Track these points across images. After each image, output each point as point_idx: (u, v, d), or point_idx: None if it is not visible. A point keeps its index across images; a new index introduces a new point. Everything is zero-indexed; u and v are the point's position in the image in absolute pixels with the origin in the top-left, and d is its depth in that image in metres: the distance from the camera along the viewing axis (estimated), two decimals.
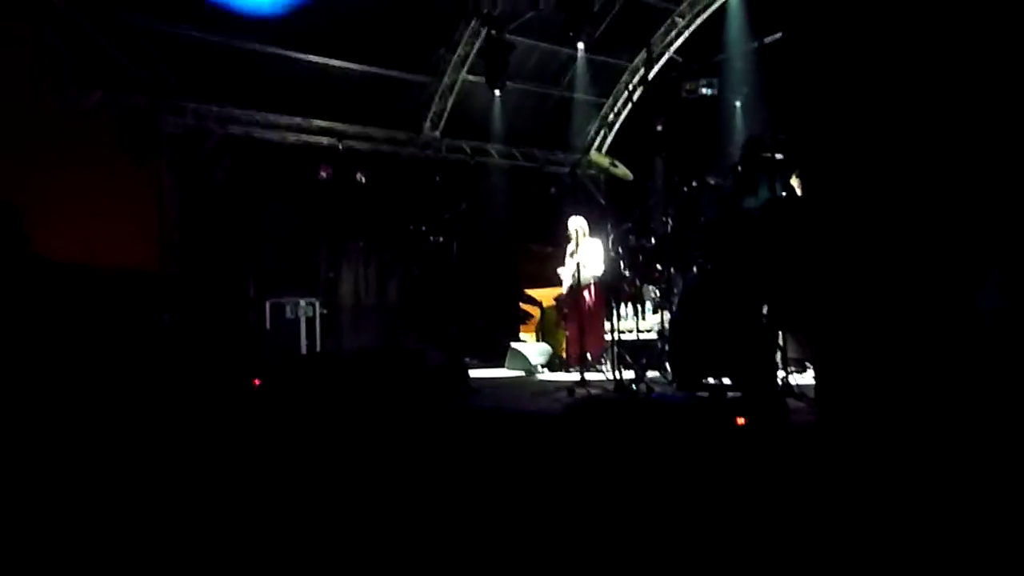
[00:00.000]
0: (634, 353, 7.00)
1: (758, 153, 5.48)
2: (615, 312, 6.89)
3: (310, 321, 8.85)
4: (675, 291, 6.66)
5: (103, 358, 5.49)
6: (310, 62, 9.45)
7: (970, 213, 3.32)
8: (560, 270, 8.14)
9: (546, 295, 9.18)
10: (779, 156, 5.34)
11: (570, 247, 8.05)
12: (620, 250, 6.67)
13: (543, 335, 9.36)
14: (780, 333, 4.85)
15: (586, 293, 7.78)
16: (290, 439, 4.75)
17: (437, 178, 10.27)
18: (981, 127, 3.30)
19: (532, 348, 8.59)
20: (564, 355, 8.46)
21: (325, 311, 9.07)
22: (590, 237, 7.87)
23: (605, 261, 7.40)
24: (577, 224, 7.92)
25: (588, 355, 7.41)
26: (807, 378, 5.38)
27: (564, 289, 8.08)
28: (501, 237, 9.47)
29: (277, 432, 4.97)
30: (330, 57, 9.58)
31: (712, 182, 6.00)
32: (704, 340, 5.04)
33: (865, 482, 2.93)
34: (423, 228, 8.30)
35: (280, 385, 6.12)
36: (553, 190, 9.25)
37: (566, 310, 8.18)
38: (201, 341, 8.16)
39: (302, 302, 8.81)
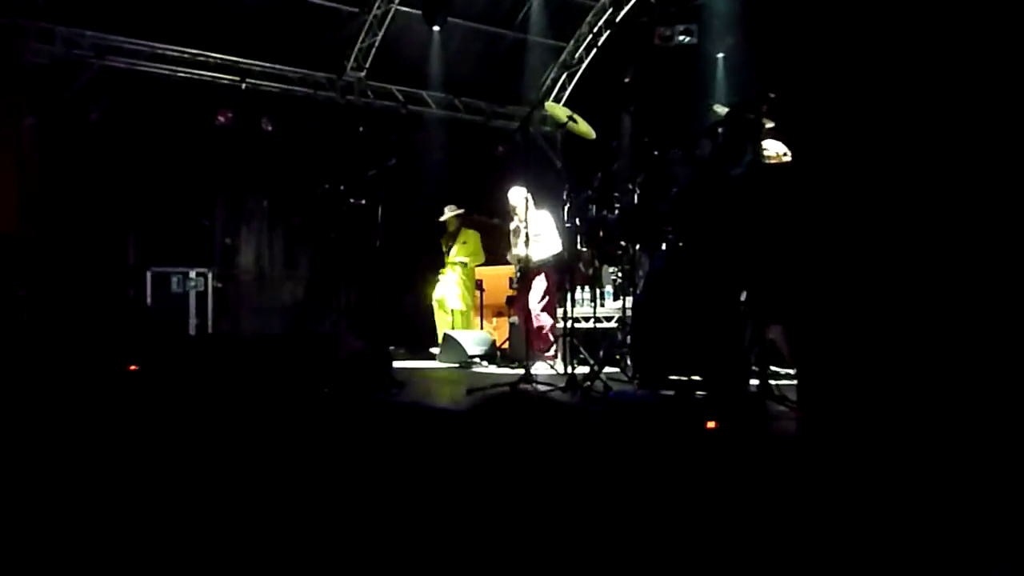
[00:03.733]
0: (590, 345, 7.07)
1: (744, 115, 5.51)
2: (569, 296, 6.92)
3: (201, 296, 8.80)
4: (640, 273, 6.68)
5: None
6: None
7: (992, 190, 3.33)
8: (510, 255, 8.22)
9: (490, 276, 9.28)
10: (768, 121, 5.38)
11: (513, 224, 8.09)
12: (577, 223, 6.72)
13: None
14: (759, 324, 4.93)
15: (539, 276, 7.85)
16: (170, 439, 4.65)
17: (361, 128, 10.28)
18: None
19: (469, 336, 8.67)
20: (507, 345, 8.54)
21: (220, 284, 9.07)
22: (537, 209, 7.90)
23: (561, 238, 7.43)
24: (518, 196, 7.93)
25: (535, 347, 7.47)
26: (789, 378, 5.45)
27: (514, 274, 8.17)
28: (437, 203, 9.43)
29: (154, 430, 4.85)
30: None
31: (687, 147, 6.04)
32: (672, 330, 5.10)
33: (854, 501, 2.98)
34: (342, 188, 8.26)
35: (161, 373, 6.08)
36: (500, 148, 9.31)
37: (514, 293, 8.25)
38: (66, 319, 8.04)
39: (192, 273, 8.76)
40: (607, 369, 6.23)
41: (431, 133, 11.31)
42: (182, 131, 9.45)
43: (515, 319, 8.32)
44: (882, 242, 3.61)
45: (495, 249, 9.13)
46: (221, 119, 9.67)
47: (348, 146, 10.10)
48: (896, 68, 3.65)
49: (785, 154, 5.71)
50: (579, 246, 6.88)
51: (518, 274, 8.02)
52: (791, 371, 5.62)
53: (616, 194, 6.75)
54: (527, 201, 7.47)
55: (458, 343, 8.50)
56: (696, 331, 4.99)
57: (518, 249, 7.94)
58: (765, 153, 5.52)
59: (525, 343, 6.61)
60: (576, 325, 7.26)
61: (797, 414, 3.91)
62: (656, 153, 6.14)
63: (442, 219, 9.24)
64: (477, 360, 8.41)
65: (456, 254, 9.29)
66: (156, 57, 9.55)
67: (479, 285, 9.57)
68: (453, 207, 9.25)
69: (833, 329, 3.69)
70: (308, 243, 10.41)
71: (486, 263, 9.44)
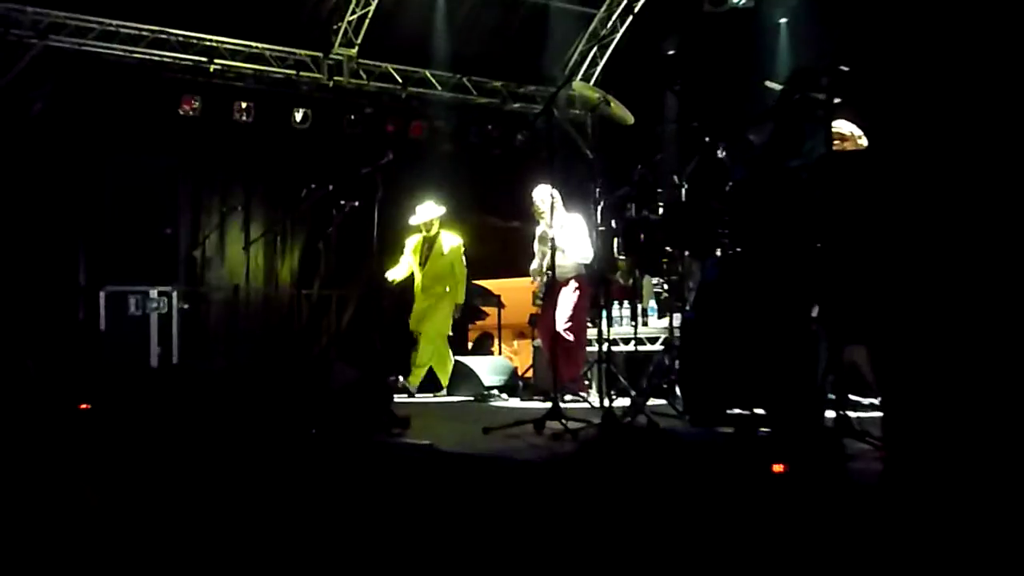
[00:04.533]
0: (630, 372, 7.11)
1: (808, 92, 5.45)
2: (604, 314, 6.96)
3: (164, 319, 8.82)
4: (690, 285, 6.67)
5: None
6: None
7: None
8: (532, 268, 8.23)
9: (510, 289, 9.39)
10: (837, 98, 5.38)
11: (539, 229, 8.12)
12: (613, 225, 6.73)
13: None
14: (836, 345, 4.86)
15: (566, 289, 7.87)
16: (127, 494, 4.66)
17: (352, 116, 10.27)
18: None
19: (486, 364, 8.75)
20: (530, 374, 8.57)
21: (186, 305, 9.13)
22: (567, 212, 7.92)
23: (594, 244, 7.40)
24: (544, 195, 7.96)
25: (564, 375, 7.48)
26: (873, 409, 5.46)
27: (538, 288, 8.21)
28: (444, 205, 9.34)
29: (108, 483, 4.87)
30: None
31: (745, 132, 6.07)
32: (729, 354, 5.11)
33: (949, 560, 2.97)
34: (330, 188, 8.24)
35: (118, 412, 6.08)
36: (520, 137, 9.31)
37: (538, 312, 8.31)
38: (3, 348, 8.00)
39: (153, 292, 8.78)
40: (652, 402, 6.22)
41: (436, 120, 11.37)
42: (140, 123, 9.52)
43: (539, 342, 8.34)
44: (990, 241, 3.56)
45: (514, 259, 9.17)
46: (186, 108, 9.76)
47: (337, 138, 10.24)
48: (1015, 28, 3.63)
49: (860, 137, 5.72)
50: (615, 254, 6.89)
51: (543, 289, 8.03)
52: (875, 401, 5.62)
53: (660, 190, 6.75)
54: (554, 202, 7.50)
55: (472, 372, 8.54)
56: (759, 355, 4.99)
57: (542, 260, 7.97)
58: (836, 137, 5.49)
59: (552, 371, 6.58)
60: (613, 349, 7.27)
61: (882, 453, 3.92)
62: (707, 140, 6.15)
63: (418, 221, 9.03)
64: (495, 393, 8.47)
65: (434, 270, 9.10)
66: (107, 35, 9.63)
67: (498, 301, 9.58)
68: (432, 204, 9.06)
69: (929, 350, 3.65)
70: (292, 253, 10.47)
71: (505, 275, 9.46)
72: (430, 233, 9.01)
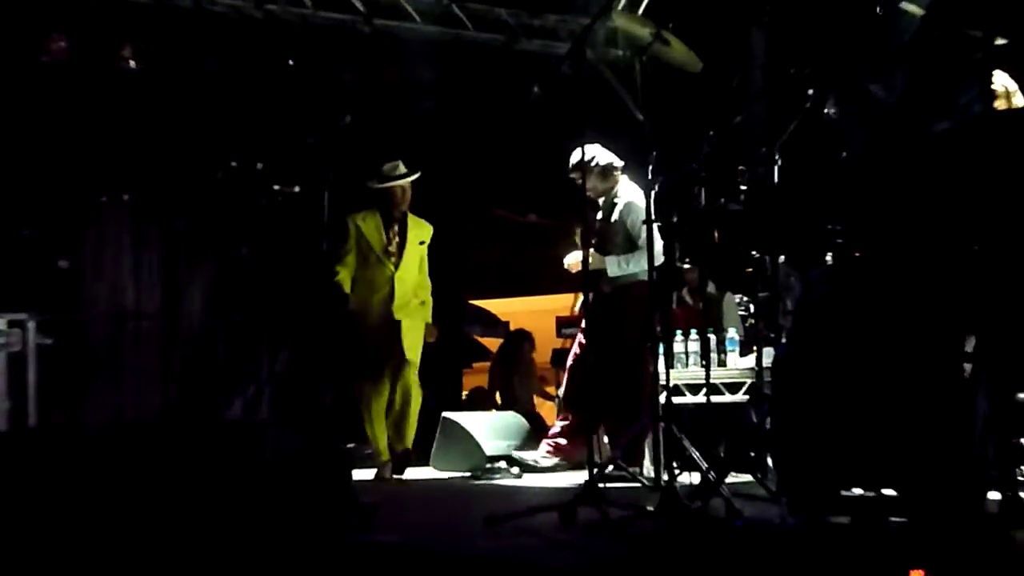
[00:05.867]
0: (701, 434, 7.03)
1: (957, 27, 5.51)
2: (663, 349, 7.15)
3: (17, 360, 8.83)
4: (787, 306, 6.85)
5: None
6: None
7: None
8: (570, 257, 8.35)
9: (523, 313, 9.71)
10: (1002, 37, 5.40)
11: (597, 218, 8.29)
12: (674, 218, 6.82)
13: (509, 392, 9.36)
14: (1002, 393, 4.90)
15: (617, 305, 8.04)
16: None
17: (291, 62, 10.24)
18: None
19: (487, 423, 8.93)
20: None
21: (49, 340, 9.12)
22: (628, 181, 8.12)
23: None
24: (597, 156, 8.18)
25: (605, 437, 7.83)
26: None
27: (577, 305, 8.56)
28: (428, 187, 9.50)
29: None
30: None
31: (866, 82, 6.08)
32: (845, 408, 5.06)
33: None
34: (260, 167, 8.20)
35: None
36: (536, 90, 9.23)
37: (571, 343, 8.54)
38: None
39: (1, 323, 8.78)
40: (732, 478, 6.28)
41: (414, 66, 11.42)
42: None
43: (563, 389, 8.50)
44: None
45: (528, 269, 9.48)
46: (51, 51, 9.82)
47: (270, 94, 10.26)
48: None
49: (1015, 94, 5.94)
50: (677, 259, 7.08)
51: (584, 303, 8.24)
52: None
53: (741, 168, 6.75)
54: (614, 168, 7.75)
55: (467, 436, 8.67)
56: (888, 409, 4.93)
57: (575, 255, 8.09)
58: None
59: (587, 431, 6.80)
60: (676, 400, 7.34)
61: None
62: (811, 94, 6.23)
63: (385, 184, 9.07)
64: (502, 466, 8.56)
65: (411, 270, 9.17)
66: None
67: (505, 331, 9.56)
68: (398, 165, 9.12)
69: None
70: (204, 263, 10.44)
71: (516, 292, 9.53)
72: (402, 207, 9.13)
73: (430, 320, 9.15)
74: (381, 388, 8.89)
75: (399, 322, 8.92)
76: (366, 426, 8.87)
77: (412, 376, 8.93)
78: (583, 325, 8.36)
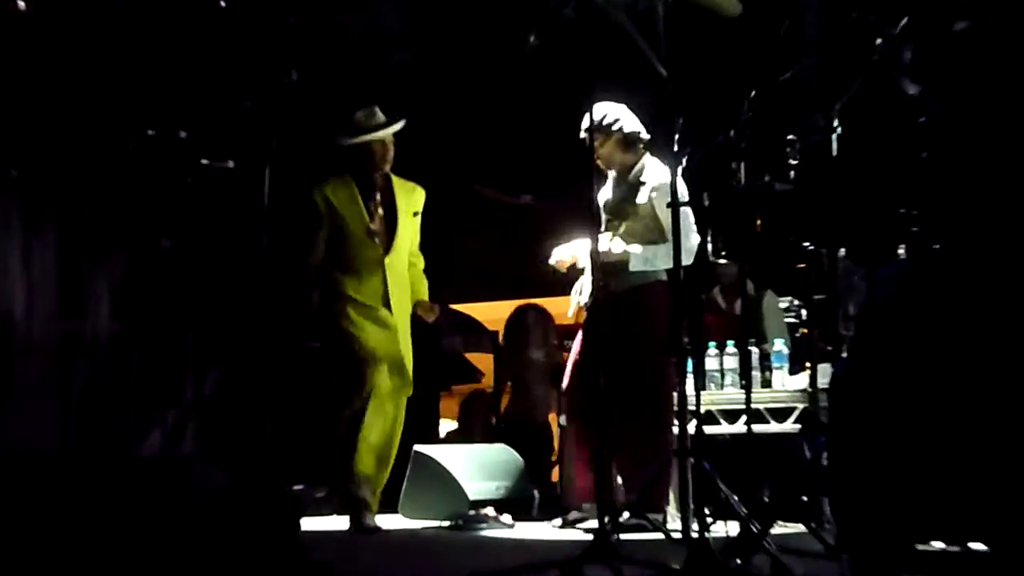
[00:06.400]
0: (740, 473, 7.11)
1: None
2: (691, 365, 7.18)
3: None
4: (849, 311, 6.94)
5: None
6: None
7: None
8: (559, 251, 8.42)
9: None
10: None
11: (601, 193, 8.31)
12: (706, 200, 6.97)
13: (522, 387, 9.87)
14: None
15: (635, 309, 8.11)
16: None
17: (223, 2, 10.17)
18: None
19: (470, 459, 9.00)
20: (555, 476, 9.09)
21: None
22: (655, 160, 8.15)
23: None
24: (623, 119, 8.26)
25: (620, 477, 7.87)
26: None
27: (579, 302, 8.44)
28: (398, 162, 9.30)
29: None
30: None
31: (950, 26, 6.07)
32: (922, 442, 4.95)
33: None
34: (183, 136, 8.30)
35: None
36: (532, 39, 9.20)
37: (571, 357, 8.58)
38: None
39: None
40: (778, 528, 6.49)
41: (379, 9, 11.43)
42: None
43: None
44: None
45: (514, 269, 9.38)
46: None
47: (197, 43, 10.10)
48: None
49: None
50: (711, 252, 7.05)
51: (585, 302, 8.29)
52: None
53: (791, 137, 6.87)
54: (635, 139, 7.93)
55: (446, 475, 8.65)
56: (978, 442, 4.81)
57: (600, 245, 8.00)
58: None
59: (596, 469, 6.70)
60: (707, 429, 7.50)
61: None
62: (878, 44, 6.23)
63: (361, 139, 8.73)
64: (490, 514, 8.57)
65: (404, 250, 8.92)
66: None
67: (494, 343, 9.58)
68: (375, 112, 8.82)
69: None
70: (113, 257, 10.25)
71: (507, 294, 10.02)
72: (384, 168, 8.87)
73: (426, 296, 8.97)
74: (379, 408, 8.60)
75: (395, 327, 8.74)
76: (351, 458, 8.59)
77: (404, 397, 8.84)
78: (581, 335, 8.48)
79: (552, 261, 8.42)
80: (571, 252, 8.31)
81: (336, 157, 8.94)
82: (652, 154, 8.26)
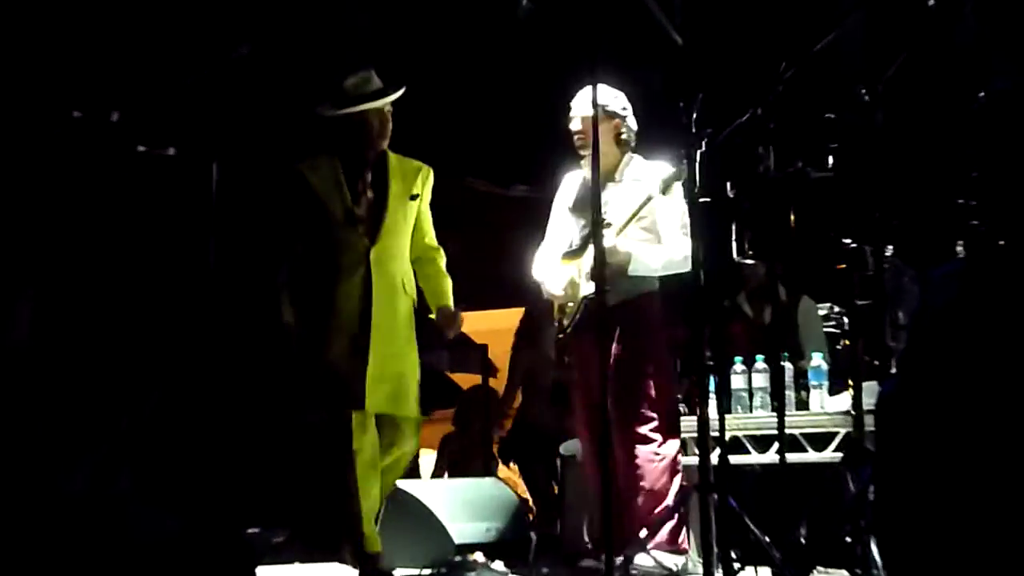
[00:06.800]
0: (770, 510, 7.16)
1: None
2: (713, 382, 7.24)
3: None
4: (899, 319, 6.76)
5: None
6: None
7: None
8: (536, 260, 8.60)
9: (507, 332, 9.85)
10: None
11: (571, 190, 8.45)
12: (729, 191, 6.95)
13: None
14: None
15: (628, 324, 8.23)
16: None
17: None
18: None
19: (456, 498, 8.95)
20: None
21: None
22: (647, 161, 8.35)
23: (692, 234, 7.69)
24: (619, 98, 8.35)
25: (635, 516, 7.87)
26: None
27: (561, 314, 8.53)
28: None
29: None
30: None
31: None
32: (983, 471, 4.76)
33: None
34: (115, 117, 8.10)
35: None
36: (526, 3, 9.08)
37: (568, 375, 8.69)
38: None
39: None
40: (818, 573, 6.69)
41: None
42: None
43: (576, 444, 8.78)
44: None
45: (505, 273, 9.38)
46: None
47: (133, 11, 9.99)
48: None
49: None
50: (735, 253, 6.97)
51: (575, 318, 8.48)
52: None
53: (829, 115, 6.84)
54: (624, 129, 7.99)
55: (426, 514, 8.63)
56: None
57: (582, 259, 8.18)
58: None
59: (603, 507, 6.60)
60: (732, 459, 7.58)
61: None
62: (932, 5, 6.21)
63: (354, 109, 8.37)
64: (478, 559, 8.58)
65: (396, 241, 8.55)
66: None
67: (483, 359, 10.17)
68: (371, 78, 8.50)
69: None
70: (27, 261, 10.17)
71: (497, 302, 10.29)
72: (379, 145, 8.51)
73: (449, 302, 8.67)
74: (364, 436, 8.24)
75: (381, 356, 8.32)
76: (357, 519, 8.31)
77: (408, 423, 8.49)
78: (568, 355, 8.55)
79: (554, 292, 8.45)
80: (563, 282, 8.35)
81: (315, 137, 8.66)
82: (656, 142, 8.18)
